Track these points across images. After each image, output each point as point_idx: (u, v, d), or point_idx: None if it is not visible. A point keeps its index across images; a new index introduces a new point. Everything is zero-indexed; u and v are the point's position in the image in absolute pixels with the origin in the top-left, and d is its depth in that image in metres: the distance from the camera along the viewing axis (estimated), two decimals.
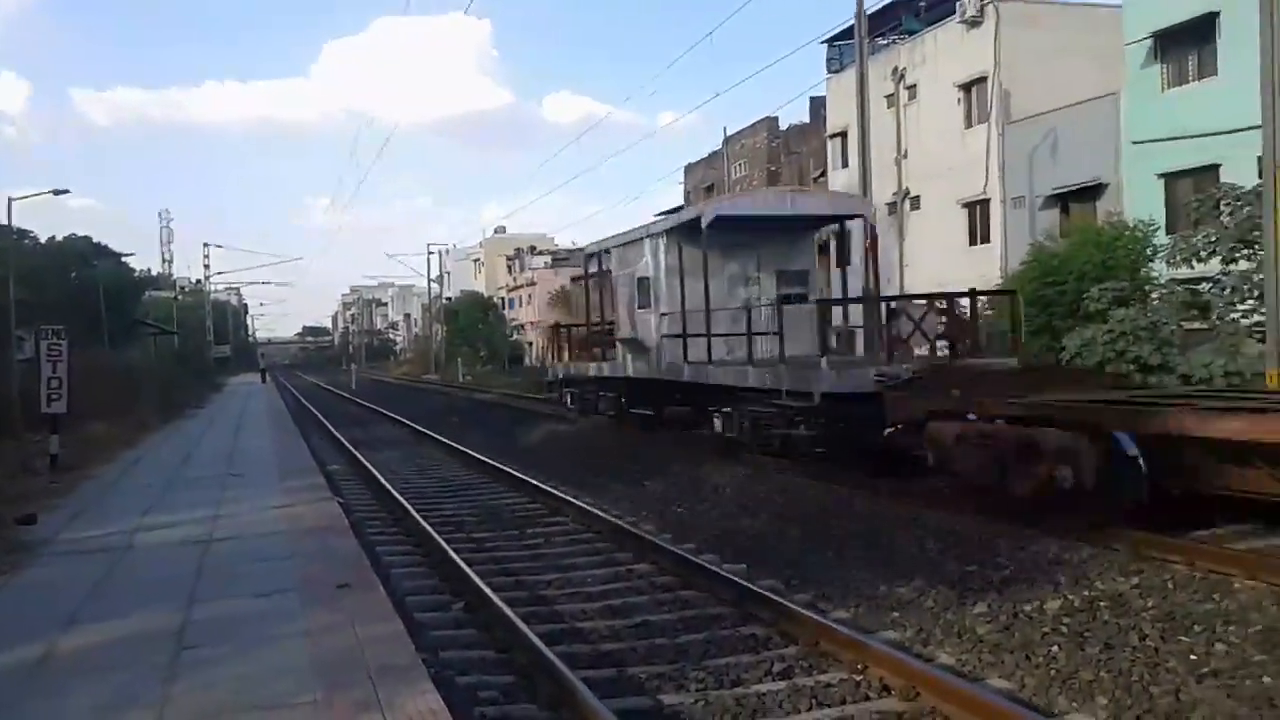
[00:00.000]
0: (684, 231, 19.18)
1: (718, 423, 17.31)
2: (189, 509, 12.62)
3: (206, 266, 77.58)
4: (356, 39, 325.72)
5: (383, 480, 15.97)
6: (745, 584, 8.63)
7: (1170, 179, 26.96)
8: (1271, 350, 14.93)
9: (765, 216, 19.16)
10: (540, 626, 7.80)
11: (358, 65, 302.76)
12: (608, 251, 23.47)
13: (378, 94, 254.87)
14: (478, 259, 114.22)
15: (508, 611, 7.90)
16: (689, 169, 60.65)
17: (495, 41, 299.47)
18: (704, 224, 17.94)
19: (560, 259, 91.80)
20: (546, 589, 9.37)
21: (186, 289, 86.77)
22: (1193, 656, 6.74)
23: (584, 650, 7.44)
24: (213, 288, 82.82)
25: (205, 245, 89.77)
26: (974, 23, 34.10)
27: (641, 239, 21.10)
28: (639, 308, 20.91)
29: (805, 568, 9.69)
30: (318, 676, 5.94)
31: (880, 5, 35.10)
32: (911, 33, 38.32)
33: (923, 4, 37.93)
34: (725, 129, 54.49)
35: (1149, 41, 27.59)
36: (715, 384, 17.35)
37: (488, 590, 8.61)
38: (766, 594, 8.30)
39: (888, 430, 13.01)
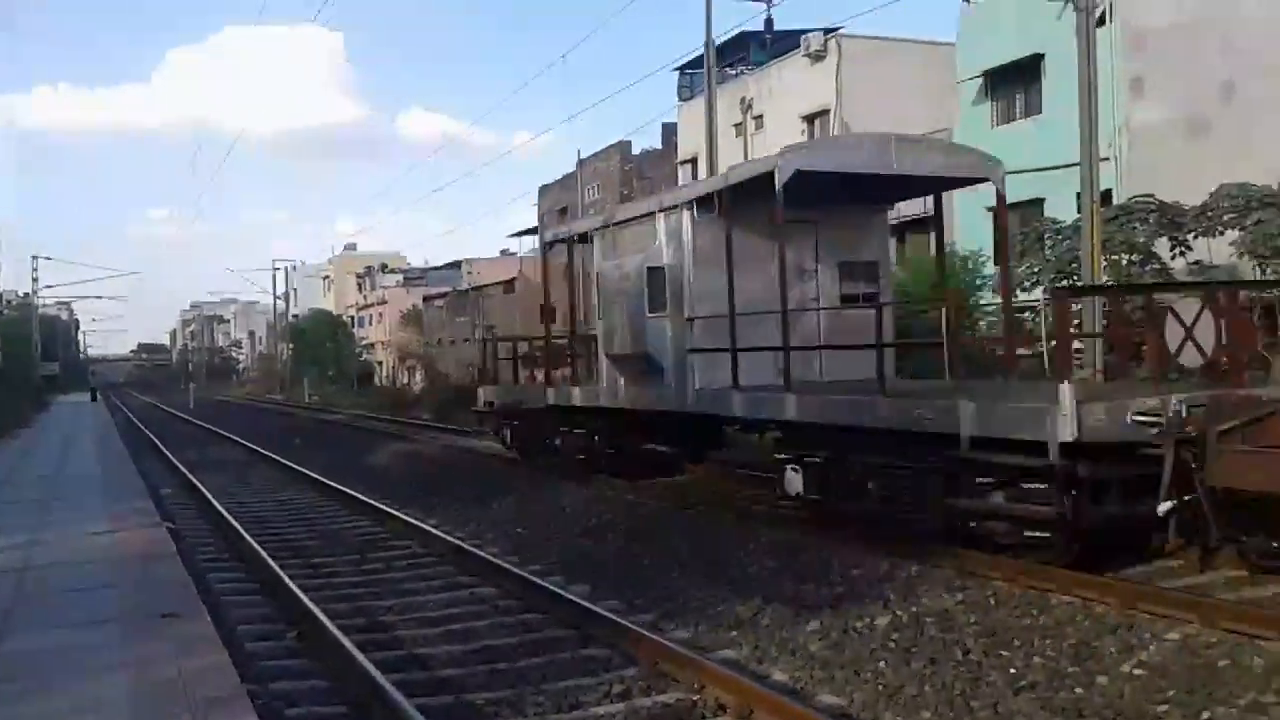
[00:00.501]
0: (728, 199, 13.67)
1: (795, 479, 12.11)
2: (5, 534, 11.96)
3: (35, 280, 73.80)
4: (203, 46, 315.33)
5: (217, 504, 15.42)
6: (588, 605, 8.67)
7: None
8: (1090, 375, 15.80)
9: (858, 176, 13.38)
10: (377, 654, 7.65)
11: (203, 73, 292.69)
12: (584, 237, 17.90)
13: (224, 103, 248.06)
14: (327, 276, 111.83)
15: (342, 639, 7.72)
16: (544, 190, 60.70)
17: (348, 54, 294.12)
18: (779, 182, 12.42)
19: (413, 277, 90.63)
20: (386, 614, 9.22)
21: (13, 303, 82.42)
22: (1012, 670, 7.01)
23: (421, 677, 7.33)
24: (41, 302, 78.87)
25: (34, 258, 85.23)
26: (818, 57, 35.21)
27: (651, 214, 15.48)
28: (650, 311, 15.26)
29: (648, 588, 9.75)
30: (135, 710, 5.71)
31: (729, 36, 36.09)
32: (759, 64, 39.29)
33: (769, 36, 38.95)
34: (579, 152, 54.79)
35: (980, 80, 28.95)
36: (802, 423, 12.11)
37: (323, 617, 8.40)
38: (609, 615, 8.34)
39: (1165, 505, 8.61)
